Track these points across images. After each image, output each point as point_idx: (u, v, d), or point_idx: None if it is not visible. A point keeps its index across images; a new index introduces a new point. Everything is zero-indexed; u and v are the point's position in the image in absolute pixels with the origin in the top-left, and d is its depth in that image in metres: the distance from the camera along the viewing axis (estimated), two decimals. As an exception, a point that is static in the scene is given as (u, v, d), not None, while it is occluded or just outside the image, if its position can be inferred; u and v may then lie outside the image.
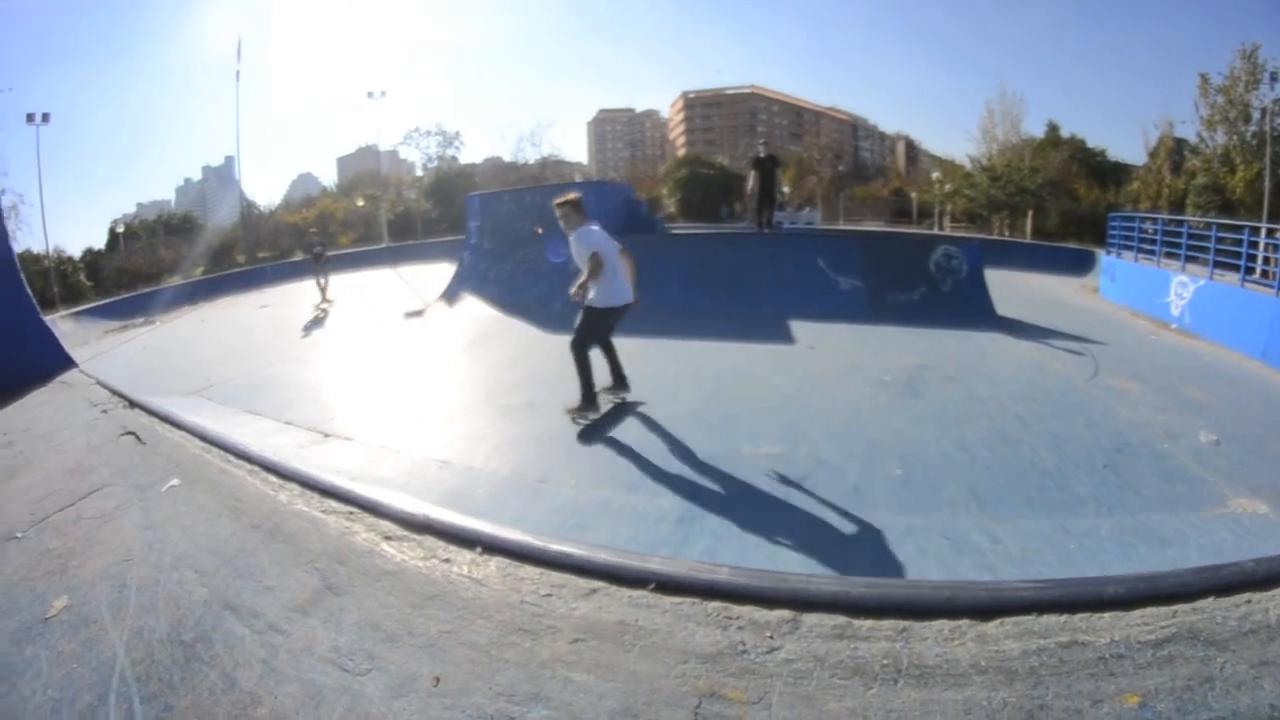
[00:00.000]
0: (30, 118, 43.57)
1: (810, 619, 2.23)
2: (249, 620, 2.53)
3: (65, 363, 6.65)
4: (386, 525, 3.02)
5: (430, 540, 2.89)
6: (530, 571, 2.61)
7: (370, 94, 48.16)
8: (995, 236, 36.22)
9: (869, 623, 2.20)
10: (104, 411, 5.04)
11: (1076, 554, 4.15)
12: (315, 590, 2.62)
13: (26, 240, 43.21)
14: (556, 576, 2.57)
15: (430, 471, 5.68)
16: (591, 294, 6.63)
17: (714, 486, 5.15)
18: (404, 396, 8.42)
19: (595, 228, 6.79)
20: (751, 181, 16.16)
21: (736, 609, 2.31)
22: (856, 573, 3.85)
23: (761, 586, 2.42)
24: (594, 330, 6.81)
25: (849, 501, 4.85)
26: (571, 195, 6.88)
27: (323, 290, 19.63)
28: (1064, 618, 2.15)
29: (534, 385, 8.14)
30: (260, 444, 6.69)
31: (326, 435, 6.81)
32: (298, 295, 22.57)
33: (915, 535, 4.34)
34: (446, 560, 2.73)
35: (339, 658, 2.24)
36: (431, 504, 3.26)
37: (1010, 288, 14.84)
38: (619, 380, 7.17)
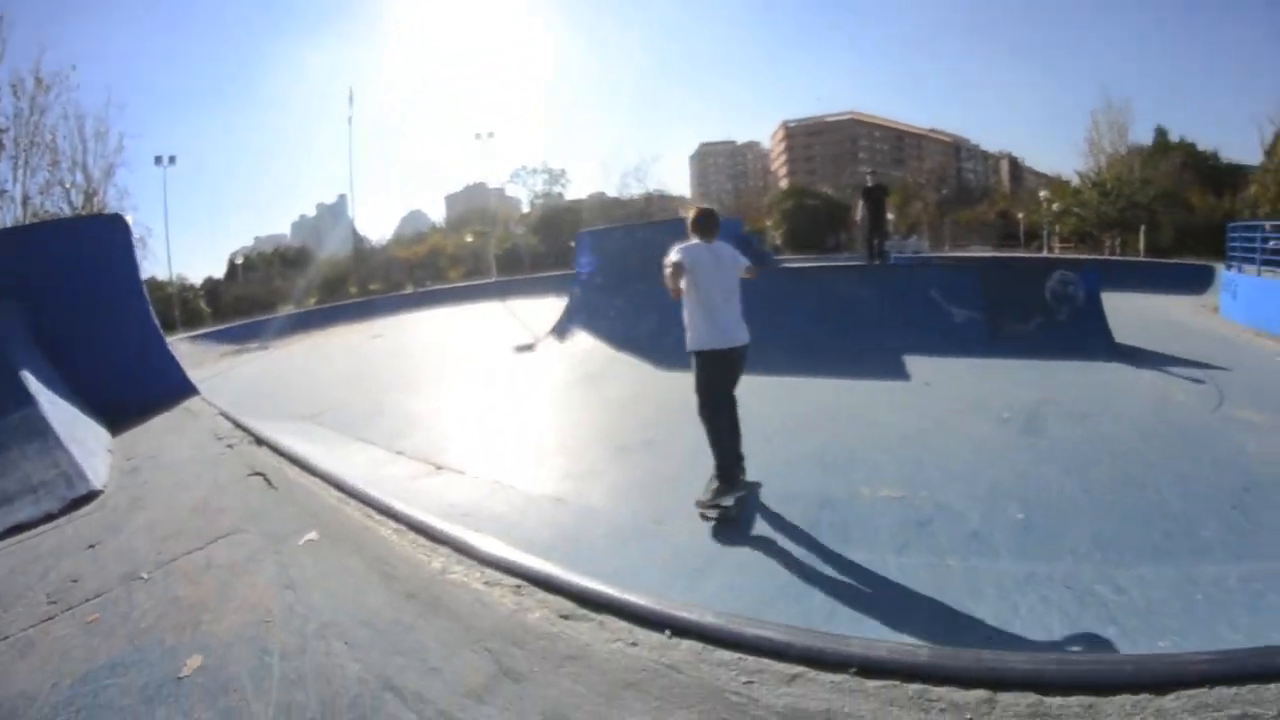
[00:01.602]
0: (158, 159, 47.00)
1: (1005, 698, 2.15)
2: (415, 705, 2.31)
3: (188, 389, 6.98)
4: (560, 602, 2.82)
5: (612, 621, 2.68)
6: (726, 656, 2.43)
7: (478, 135, 49.68)
8: (1107, 256, 34.52)
9: (1059, 700, 2.11)
10: (229, 446, 5.06)
11: (1202, 605, 3.83)
12: (489, 675, 2.43)
13: (152, 269, 46.15)
14: (753, 662, 2.40)
15: (545, 509, 5.62)
16: (688, 335, 5.34)
17: (833, 532, 4.98)
18: (516, 430, 8.37)
19: (694, 242, 5.38)
20: (861, 211, 15.94)
21: (935, 690, 2.21)
22: (980, 626, 3.68)
23: (958, 666, 2.34)
24: (705, 385, 5.37)
25: (969, 548, 4.62)
26: (694, 209, 5.52)
27: None
28: (1234, 690, 2.03)
29: (650, 423, 8.02)
30: (376, 474, 6.83)
31: (439, 467, 6.81)
32: (408, 326, 23.17)
33: (1037, 584, 4.09)
34: (634, 644, 2.53)
35: (527, 754, 2.08)
36: (607, 582, 2.98)
37: (1126, 312, 13.99)
38: (726, 473, 5.37)
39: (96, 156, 39.41)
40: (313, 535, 3.36)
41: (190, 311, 46.54)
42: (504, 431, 8.33)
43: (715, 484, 5.34)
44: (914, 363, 10.28)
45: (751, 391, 9.11)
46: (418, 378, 13.38)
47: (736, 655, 2.42)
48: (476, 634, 2.64)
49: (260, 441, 5.10)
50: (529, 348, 14.62)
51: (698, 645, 2.48)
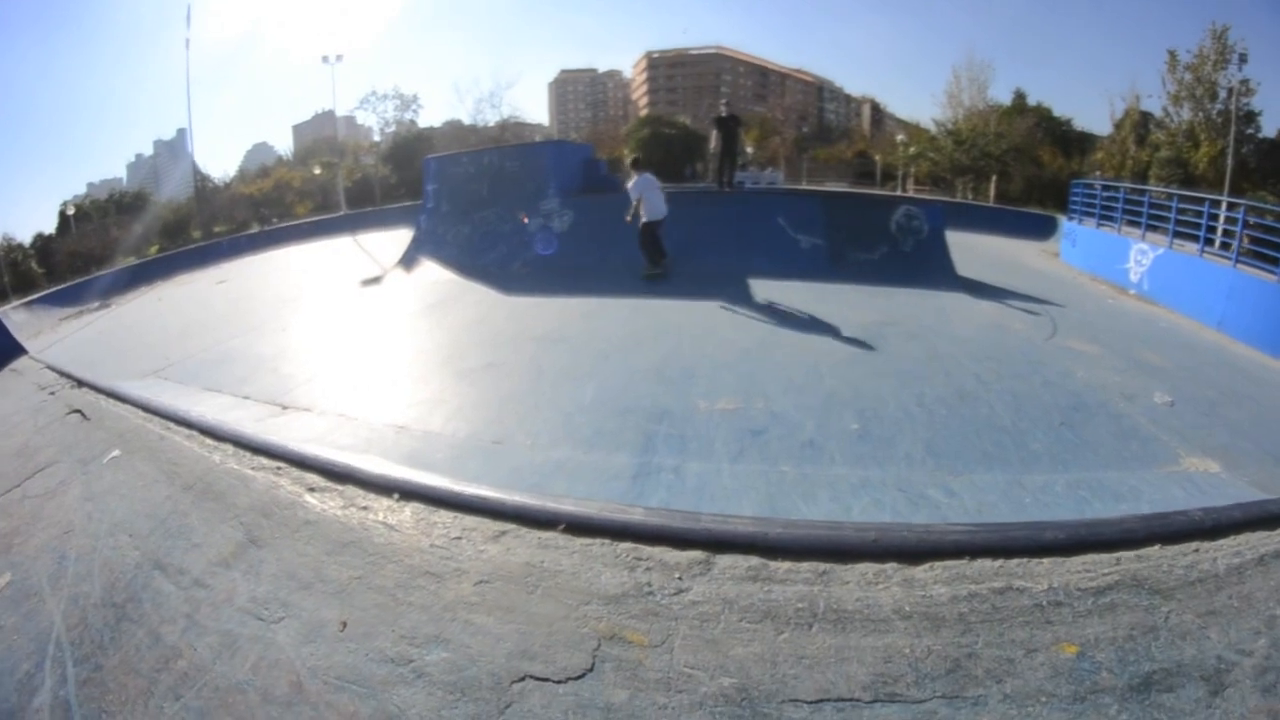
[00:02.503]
0: None
1: (723, 560, 2.19)
2: (175, 577, 2.58)
3: (15, 350, 6.59)
4: (311, 478, 3.01)
5: (351, 490, 2.90)
6: (444, 516, 2.62)
7: (326, 58, 46.88)
8: (959, 200, 35.89)
9: (786, 565, 2.15)
10: (51, 394, 5.03)
11: (1031, 508, 4.13)
12: (239, 544, 2.64)
13: None
14: (470, 520, 2.57)
15: (388, 437, 5.57)
16: (643, 216, 10.99)
17: (670, 442, 5.10)
18: (362, 364, 8.23)
19: (646, 176, 11.27)
20: (714, 141, 16.06)
21: (647, 550, 2.28)
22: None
23: (674, 527, 2.37)
24: (650, 234, 11.16)
25: (804, 455, 4.83)
26: (630, 157, 13.00)
27: None
28: (999, 563, 2.09)
29: (493, 347, 8.02)
30: (220, 419, 6.66)
31: (285, 407, 6.64)
32: (255, 269, 22.26)
33: (871, 489, 4.32)
34: (364, 508, 2.75)
35: (255, 607, 2.26)
36: (355, 454, 3.30)
37: (972, 250, 14.70)
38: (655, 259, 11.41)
39: None
40: (116, 453, 3.52)
41: (21, 275, 42.35)
42: (349, 367, 8.15)
43: (651, 268, 11.29)
44: (760, 286, 10.56)
45: (593, 314, 9.29)
46: (264, 322, 12.80)
47: (454, 515, 2.61)
48: (234, 510, 2.91)
49: (81, 384, 5.09)
50: (376, 280, 14.23)
51: (420, 507, 2.70)
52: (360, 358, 8.62)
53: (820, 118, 69.06)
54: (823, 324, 8.39)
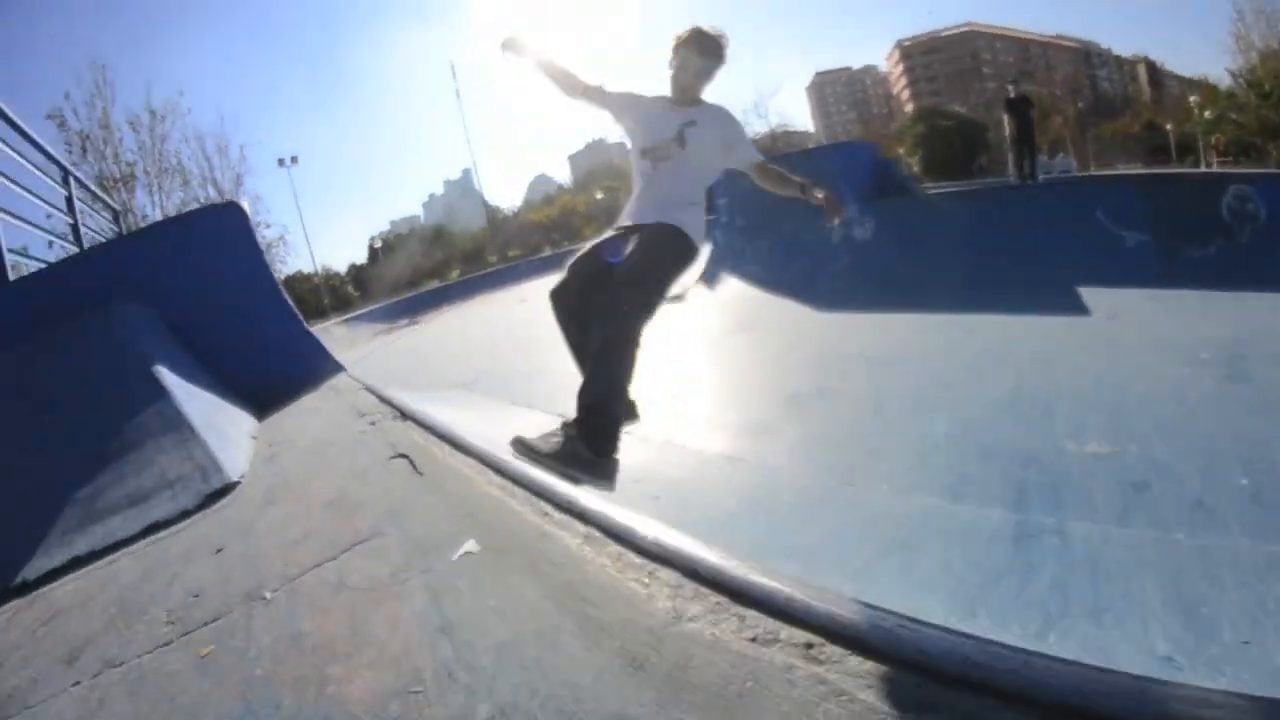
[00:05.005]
0: (280, 161, 50.42)
1: None
2: None
3: (333, 367, 6.95)
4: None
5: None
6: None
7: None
8: (1275, 170, 28.09)
9: None
10: (371, 423, 4.70)
11: None
12: None
13: (296, 263, 49.37)
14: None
15: (723, 471, 5.15)
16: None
17: (1043, 494, 4.56)
18: (680, 385, 7.83)
19: None
20: (1008, 127, 15.01)
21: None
22: (1225, 623, 3.16)
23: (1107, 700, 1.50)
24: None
25: (1195, 519, 4.09)
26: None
27: None
28: None
29: (819, 370, 7.47)
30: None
31: None
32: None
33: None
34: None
35: None
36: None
37: None
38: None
39: (223, 170, 42.61)
40: (471, 546, 2.51)
41: (339, 297, 49.54)
42: (667, 387, 7.85)
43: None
44: (1090, 294, 9.25)
45: (919, 332, 8.64)
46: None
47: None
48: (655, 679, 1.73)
49: (405, 416, 4.68)
50: (679, 298, 14.06)
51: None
52: (677, 378, 8.21)
53: (1094, 88, 63.65)
54: (1174, 342, 7.02)
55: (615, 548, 2.35)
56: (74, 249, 8.68)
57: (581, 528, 2.55)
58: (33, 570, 3.48)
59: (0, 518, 4.07)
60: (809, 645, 1.77)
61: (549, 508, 2.77)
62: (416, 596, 2.29)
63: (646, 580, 2.16)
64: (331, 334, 22.44)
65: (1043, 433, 5.34)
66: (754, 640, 1.81)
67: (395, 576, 2.46)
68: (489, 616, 2.09)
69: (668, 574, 2.16)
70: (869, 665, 1.65)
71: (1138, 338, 7.57)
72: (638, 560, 2.26)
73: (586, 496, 2.73)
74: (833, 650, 1.73)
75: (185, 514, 3.79)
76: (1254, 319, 7.85)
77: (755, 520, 3.76)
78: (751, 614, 1.92)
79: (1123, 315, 8.40)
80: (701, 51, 3.23)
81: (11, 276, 6.77)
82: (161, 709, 2.07)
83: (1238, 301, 8.56)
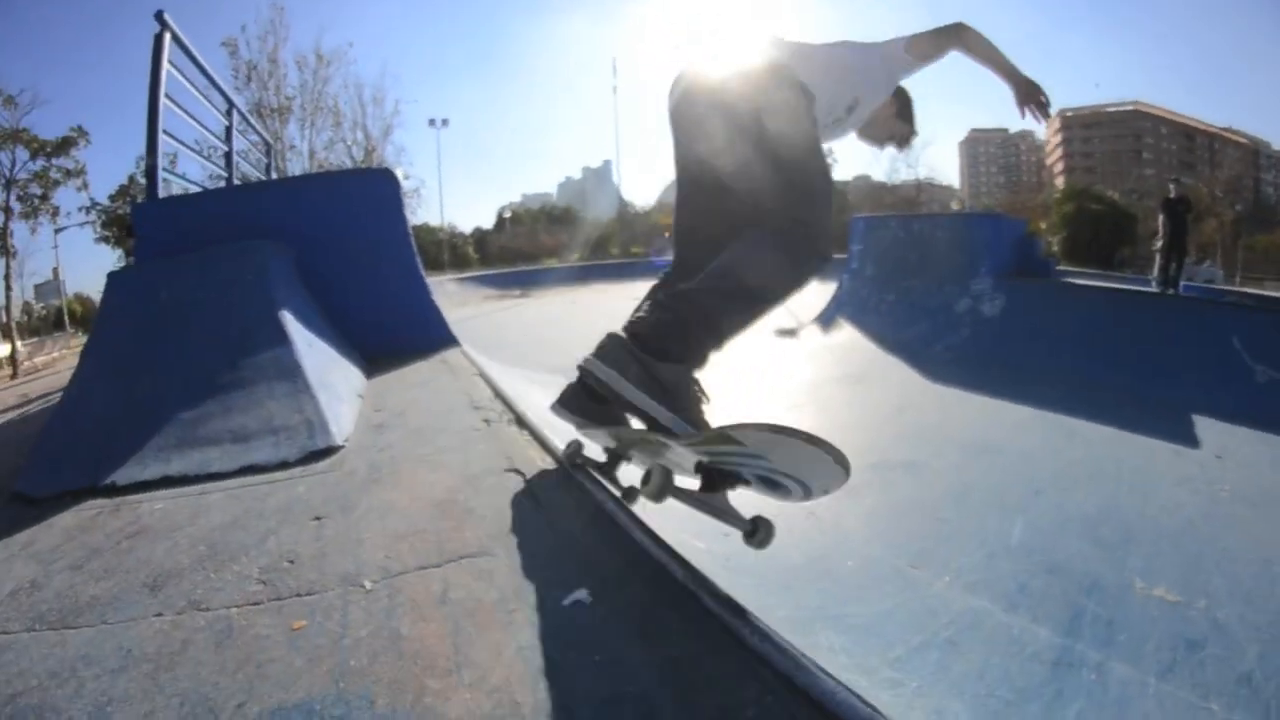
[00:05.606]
0: (431, 122, 52.64)
1: None
2: None
3: (449, 340, 7.08)
4: None
5: None
6: None
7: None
8: None
9: None
10: (486, 421, 4.50)
11: None
12: None
13: (425, 216, 52.45)
14: None
15: (797, 524, 5.38)
16: None
17: (1098, 626, 4.55)
18: (775, 422, 7.87)
19: None
20: (1161, 229, 14.55)
21: None
22: None
23: None
24: None
25: (1237, 694, 4.01)
26: None
27: None
28: None
29: (915, 443, 7.33)
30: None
31: None
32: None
33: None
34: None
35: None
36: None
37: None
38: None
39: (375, 119, 45.20)
40: (583, 595, 2.37)
41: (459, 256, 51.52)
42: (759, 419, 7.93)
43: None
44: (1205, 426, 8.69)
45: (1021, 425, 8.53)
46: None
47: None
48: None
49: (522, 424, 4.42)
50: (791, 333, 13.96)
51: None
52: (772, 414, 8.26)
53: (1256, 191, 59.94)
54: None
55: (721, 625, 2.21)
56: (224, 175, 9.25)
57: (706, 602, 2.32)
58: (123, 476, 3.49)
59: (105, 419, 4.17)
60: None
61: (679, 572, 2.49)
62: (523, 631, 2.20)
63: (756, 666, 2.05)
64: (445, 289, 22.78)
65: (1115, 563, 5.28)
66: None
67: (502, 604, 2.36)
68: (591, 670, 2.04)
69: (765, 672, 2.02)
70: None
71: (1244, 485, 7.31)
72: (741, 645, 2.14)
73: (722, 583, 2.46)
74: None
75: (284, 465, 3.76)
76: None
77: (819, 582, 3.88)
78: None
79: (1232, 456, 8.09)
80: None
81: (161, 193, 7.18)
82: (247, 671, 2.01)
83: (1365, 462, 8.17)
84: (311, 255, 6.56)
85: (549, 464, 3.67)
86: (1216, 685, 3.94)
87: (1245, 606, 4.79)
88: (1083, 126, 73.30)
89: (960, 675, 3.66)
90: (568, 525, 2.98)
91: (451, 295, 20.53)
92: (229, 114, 9.34)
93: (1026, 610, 4.46)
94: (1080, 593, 4.70)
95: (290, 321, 5.20)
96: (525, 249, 52.12)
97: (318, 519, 3.08)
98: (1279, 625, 4.61)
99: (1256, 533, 6.06)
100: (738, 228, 2.82)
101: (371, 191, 7.53)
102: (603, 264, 38.29)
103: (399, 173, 7.78)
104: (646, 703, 1.88)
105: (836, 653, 3.44)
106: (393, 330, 6.75)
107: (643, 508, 2.95)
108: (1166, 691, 3.86)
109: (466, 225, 60.96)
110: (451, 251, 49.35)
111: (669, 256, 3.52)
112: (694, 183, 3.13)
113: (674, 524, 3.23)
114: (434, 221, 52.48)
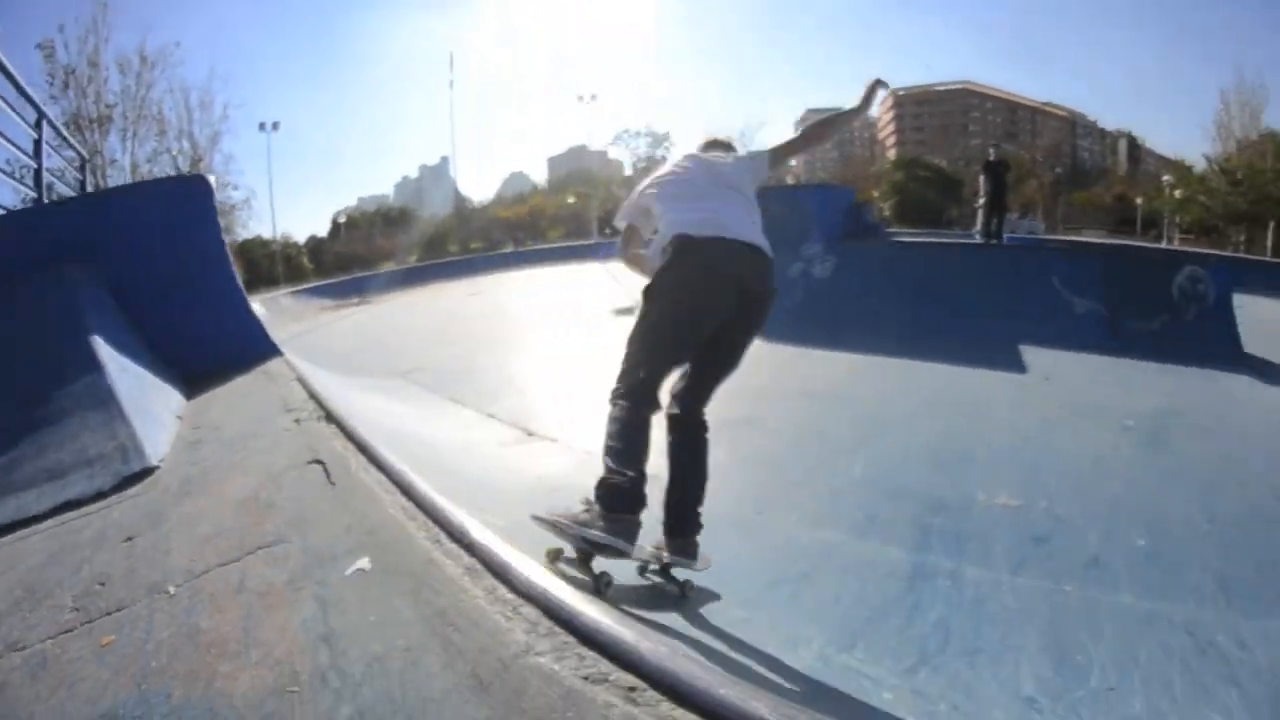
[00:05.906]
0: (262, 126, 50.32)
1: None
2: None
3: (271, 350, 6.85)
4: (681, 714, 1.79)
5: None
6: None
7: (580, 97, 49.78)
8: (1230, 254, 30.02)
9: None
10: (297, 421, 4.56)
11: None
12: None
13: (257, 228, 49.74)
14: None
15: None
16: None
17: (947, 539, 4.61)
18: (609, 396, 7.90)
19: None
20: (982, 188, 15.36)
21: None
22: (1095, 670, 3.12)
23: None
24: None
25: (1088, 575, 4.17)
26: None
27: None
28: None
29: (753, 400, 7.31)
30: (465, 437, 6.74)
31: (530, 433, 6.57)
32: (507, 285, 23.36)
33: (1157, 627, 3.56)
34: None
35: None
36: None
37: (1256, 319, 11.92)
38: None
39: (202, 125, 42.70)
40: (364, 564, 2.55)
41: (293, 268, 49.15)
42: (597, 399, 7.93)
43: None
44: (1032, 354, 9.63)
45: (859, 373, 8.77)
46: (513, 338, 13.17)
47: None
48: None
49: (330, 418, 4.51)
50: (628, 311, 14.19)
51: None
52: (606, 389, 8.29)
53: (1074, 156, 64.95)
54: (1104, 408, 7.37)
55: (491, 581, 2.40)
56: (33, 194, 8.50)
57: (467, 559, 2.55)
58: (-62, 538, 3.35)
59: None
60: (632, 689, 1.88)
61: (442, 536, 2.74)
62: (307, 605, 2.36)
63: (510, 614, 2.23)
64: (279, 304, 22.36)
65: (957, 481, 5.46)
66: (586, 678, 1.91)
67: (291, 584, 2.51)
68: (367, 630, 2.19)
69: (530, 610, 2.23)
70: (679, 712, 1.78)
71: (1068, 400, 7.77)
72: (508, 595, 2.32)
73: (477, 529, 2.70)
74: (651, 695, 1.85)
75: (100, 495, 3.69)
76: (1183, 393, 8.11)
77: (655, 540, 3.76)
78: (591, 655, 2.02)
79: (1058, 378, 8.61)
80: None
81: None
82: (60, 695, 2.09)
83: (1171, 375, 8.85)
84: (124, 273, 6.31)
85: (352, 458, 3.77)
86: (1067, 570, 4.20)
87: (1084, 500, 5.12)
88: (914, 104, 76.84)
89: (814, 602, 3.71)
90: (361, 505, 3.14)
91: (286, 310, 19.87)
92: (38, 126, 8.50)
93: (876, 536, 4.64)
94: (927, 513, 4.92)
95: (103, 348, 5.05)
96: (362, 254, 50.49)
97: (129, 539, 3.12)
98: (1116, 511, 4.98)
99: (1085, 437, 6.41)
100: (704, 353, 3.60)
101: (183, 200, 7.17)
102: (442, 263, 37.58)
103: (211, 179, 7.25)
104: (414, 652, 2.05)
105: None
106: (213, 345, 6.49)
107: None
108: (1021, 584, 4.07)
109: (301, 234, 58.57)
110: (286, 263, 47.27)
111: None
112: (719, 322, 3.46)
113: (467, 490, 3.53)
114: (266, 233, 50.24)
